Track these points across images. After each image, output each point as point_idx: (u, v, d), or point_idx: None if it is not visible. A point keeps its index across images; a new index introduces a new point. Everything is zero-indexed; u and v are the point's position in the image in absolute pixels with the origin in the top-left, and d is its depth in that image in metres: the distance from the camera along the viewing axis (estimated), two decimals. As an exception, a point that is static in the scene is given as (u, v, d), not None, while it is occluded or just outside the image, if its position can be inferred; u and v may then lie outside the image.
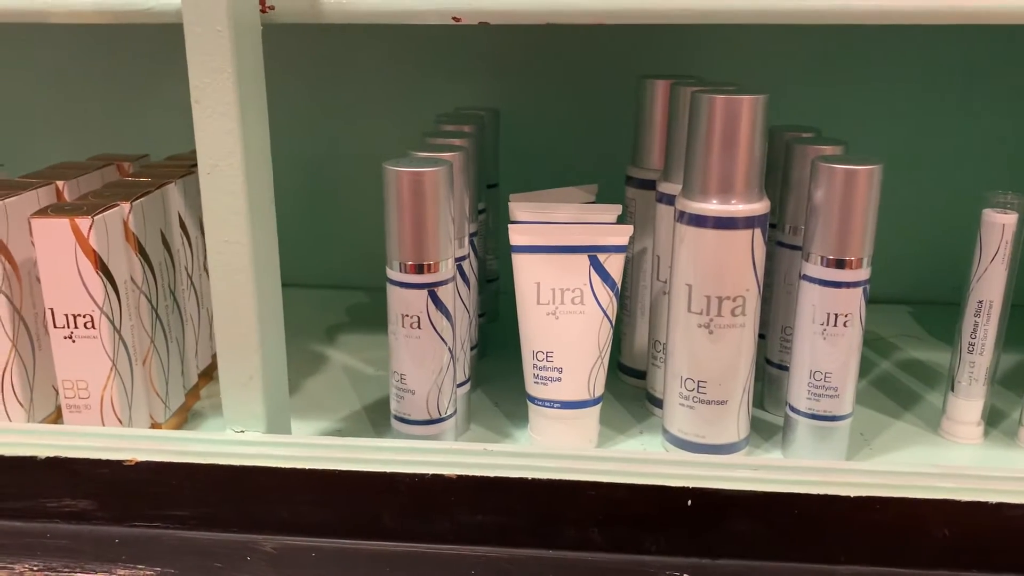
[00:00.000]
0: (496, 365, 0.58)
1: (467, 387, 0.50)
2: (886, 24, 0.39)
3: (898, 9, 0.39)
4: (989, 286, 0.47)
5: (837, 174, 0.43)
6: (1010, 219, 0.46)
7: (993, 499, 0.37)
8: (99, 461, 0.41)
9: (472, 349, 0.54)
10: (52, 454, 0.41)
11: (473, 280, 0.52)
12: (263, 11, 0.41)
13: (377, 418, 0.52)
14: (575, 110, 0.68)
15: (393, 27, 0.66)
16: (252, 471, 0.41)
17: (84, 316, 0.44)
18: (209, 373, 0.56)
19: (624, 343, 0.56)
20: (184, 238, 0.52)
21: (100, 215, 0.44)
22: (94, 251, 0.43)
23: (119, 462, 0.41)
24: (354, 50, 0.68)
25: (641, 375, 0.55)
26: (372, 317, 0.67)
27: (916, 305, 0.69)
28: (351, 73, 0.69)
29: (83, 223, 0.43)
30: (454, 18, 0.41)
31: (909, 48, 0.65)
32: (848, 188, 0.43)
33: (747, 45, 0.65)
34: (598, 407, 0.48)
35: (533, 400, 0.48)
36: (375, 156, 0.44)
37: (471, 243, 0.52)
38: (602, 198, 0.52)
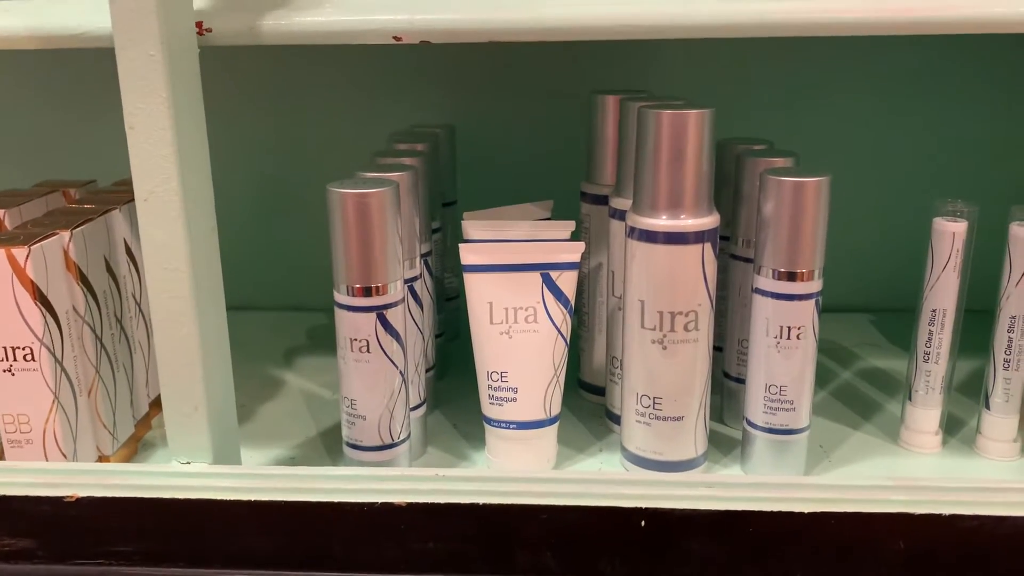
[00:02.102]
0: (455, 386, 0.57)
1: (422, 410, 0.50)
2: (836, 36, 0.39)
3: (846, 21, 0.39)
4: (942, 294, 0.47)
5: (785, 186, 0.43)
6: (960, 227, 0.46)
7: (946, 511, 0.37)
8: (38, 498, 0.40)
9: (429, 370, 0.53)
10: (-12, 492, 0.40)
11: (427, 300, 0.52)
12: (200, 33, 0.41)
13: (332, 444, 0.51)
14: (533, 125, 0.68)
15: (343, 46, 0.66)
16: (198, 504, 0.40)
17: (23, 348, 0.43)
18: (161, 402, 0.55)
19: (583, 359, 0.56)
20: (131, 265, 0.51)
21: (38, 244, 0.43)
22: (32, 281, 0.42)
23: (59, 498, 0.40)
24: (307, 69, 0.68)
25: (601, 391, 0.54)
26: (329, 339, 0.65)
27: (877, 313, 0.70)
28: (305, 92, 0.68)
29: (19, 253, 0.42)
30: (395, 37, 0.41)
31: (859, 58, 0.65)
32: (796, 200, 0.43)
33: (700, 59, 0.65)
34: (555, 426, 0.48)
35: (489, 421, 0.47)
36: (329, 176, 0.43)
37: (424, 263, 0.51)
38: (559, 214, 0.52)
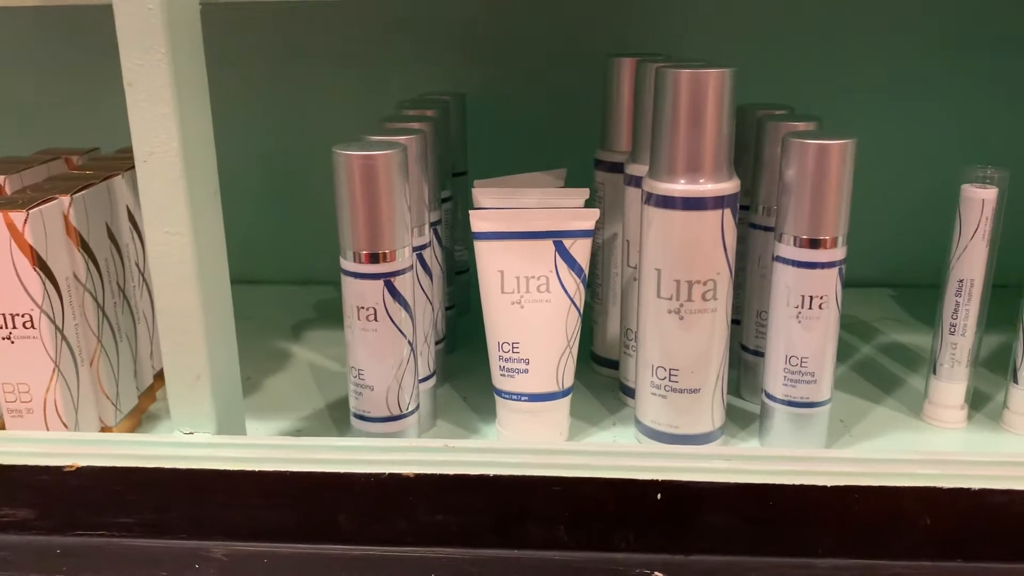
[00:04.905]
0: (466, 359, 0.56)
1: (432, 382, 0.48)
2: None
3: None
4: (970, 264, 0.45)
5: (809, 150, 0.41)
6: (990, 194, 0.44)
7: (975, 485, 0.36)
8: (37, 467, 0.39)
9: (439, 343, 0.52)
10: (-14, 461, 0.39)
11: (437, 270, 0.50)
12: (201, -11, 0.39)
13: (339, 417, 0.50)
14: (545, 93, 0.66)
15: (356, 10, 0.64)
16: (200, 474, 0.39)
17: (22, 316, 0.42)
18: (166, 373, 0.54)
19: (596, 332, 0.54)
20: (133, 232, 0.50)
21: (36, 208, 0.41)
22: (30, 246, 0.41)
23: (59, 468, 0.39)
24: (313, 38, 0.66)
25: (614, 364, 0.53)
26: (336, 312, 0.64)
27: (898, 288, 0.68)
28: (313, 59, 0.67)
29: (17, 217, 0.41)
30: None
31: (882, 21, 0.63)
32: (820, 164, 0.41)
33: (720, 21, 0.63)
34: (568, 399, 0.46)
35: (500, 393, 0.46)
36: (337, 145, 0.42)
37: (434, 232, 0.50)
38: (572, 184, 0.50)
